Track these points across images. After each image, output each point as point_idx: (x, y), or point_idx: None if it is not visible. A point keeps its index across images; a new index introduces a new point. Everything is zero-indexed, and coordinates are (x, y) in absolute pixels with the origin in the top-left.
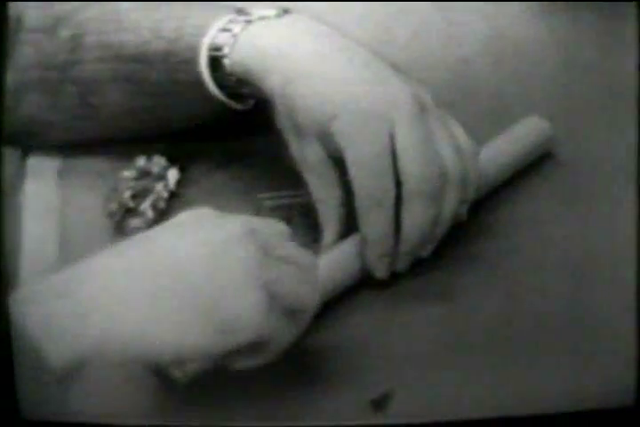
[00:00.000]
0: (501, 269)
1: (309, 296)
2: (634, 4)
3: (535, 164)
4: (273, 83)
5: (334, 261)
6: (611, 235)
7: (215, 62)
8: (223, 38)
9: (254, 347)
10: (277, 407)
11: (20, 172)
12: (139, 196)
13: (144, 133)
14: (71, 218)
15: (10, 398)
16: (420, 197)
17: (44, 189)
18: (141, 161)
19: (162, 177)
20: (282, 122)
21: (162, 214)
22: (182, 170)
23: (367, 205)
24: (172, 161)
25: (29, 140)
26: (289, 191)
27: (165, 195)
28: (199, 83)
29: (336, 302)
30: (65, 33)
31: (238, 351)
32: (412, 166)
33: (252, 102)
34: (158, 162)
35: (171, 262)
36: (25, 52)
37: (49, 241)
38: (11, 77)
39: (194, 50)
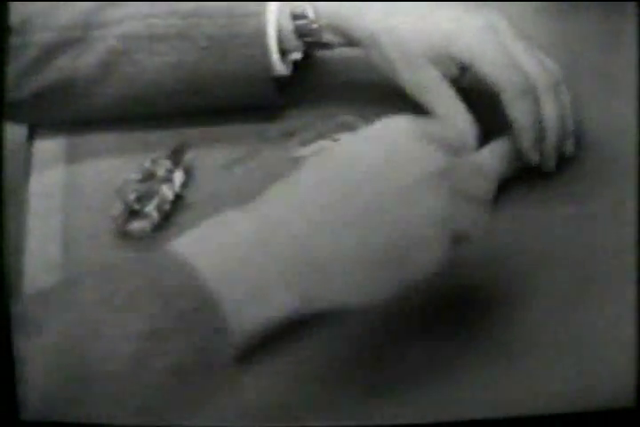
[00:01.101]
0: (503, 268)
1: (479, 225)
2: (634, 4)
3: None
4: (370, 19)
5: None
6: (611, 235)
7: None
8: None
9: None
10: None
11: (26, 171)
12: (143, 198)
13: (175, 101)
14: (76, 218)
15: (10, 398)
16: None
17: (48, 188)
18: (147, 163)
19: (167, 179)
20: (387, 55)
21: (166, 217)
22: (187, 172)
23: (513, 96)
24: (178, 163)
25: (51, 110)
26: None
27: (170, 197)
28: (261, 36)
29: None
30: None
31: None
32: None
33: (292, 67)
34: (164, 164)
35: (364, 199)
36: (60, 13)
37: (53, 241)
38: (43, 37)
39: (261, 3)
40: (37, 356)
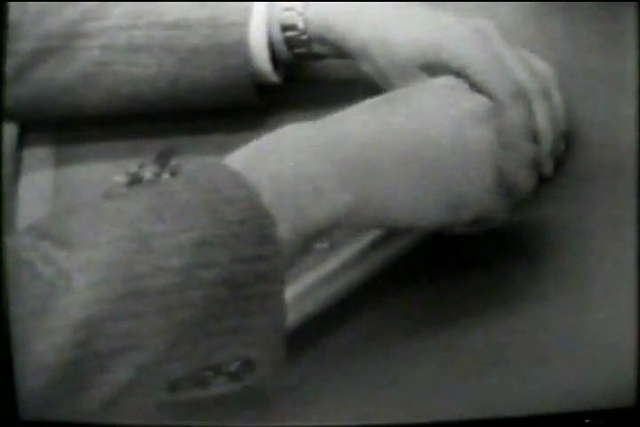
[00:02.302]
0: (502, 269)
1: (527, 180)
2: (634, 4)
3: None
4: (360, 30)
5: None
6: (611, 235)
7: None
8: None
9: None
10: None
11: (15, 176)
12: None
13: (156, 107)
14: None
15: (9, 398)
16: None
17: (37, 192)
18: (133, 167)
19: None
20: (378, 64)
21: None
22: (174, 176)
23: (504, 101)
24: (164, 167)
25: (35, 114)
26: None
27: None
28: (243, 46)
29: None
30: (90, 3)
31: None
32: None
33: (281, 77)
34: (150, 168)
35: (419, 131)
36: (44, 23)
37: None
38: (26, 46)
39: (244, 12)
40: (85, 270)
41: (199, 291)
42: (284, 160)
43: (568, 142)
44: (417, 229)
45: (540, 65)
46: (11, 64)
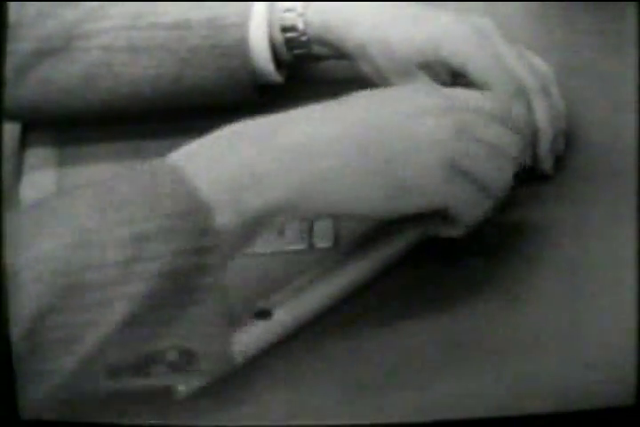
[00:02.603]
0: (502, 270)
1: (500, 175)
2: (634, 4)
3: None
4: (360, 31)
5: None
6: (611, 235)
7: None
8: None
9: (444, 217)
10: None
11: (17, 177)
12: None
13: (156, 107)
14: None
15: (10, 398)
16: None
17: (39, 193)
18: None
19: None
20: (378, 65)
21: None
22: None
23: (507, 96)
24: None
25: (35, 114)
26: None
27: None
28: (243, 46)
29: None
30: (89, 5)
31: (429, 219)
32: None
33: (283, 77)
34: None
35: (364, 120)
36: (44, 24)
37: None
38: (25, 46)
39: (243, 13)
40: (32, 265)
41: (140, 284)
42: (223, 151)
43: (568, 142)
44: (360, 217)
45: (539, 63)
46: (10, 65)
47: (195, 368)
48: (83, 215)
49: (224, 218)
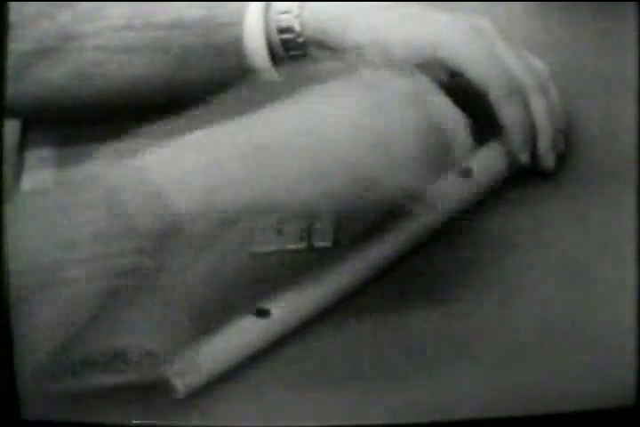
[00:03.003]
0: (501, 269)
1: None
2: (634, 4)
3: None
4: (357, 32)
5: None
6: (611, 235)
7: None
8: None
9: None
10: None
11: (17, 176)
12: None
13: (152, 107)
14: None
15: (10, 398)
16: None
17: (41, 179)
18: None
19: None
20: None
21: None
22: None
23: (501, 97)
24: None
25: (32, 114)
26: None
27: None
28: (238, 45)
29: None
30: (85, 5)
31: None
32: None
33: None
34: None
35: (327, 111)
36: (39, 25)
37: None
38: (25, 46)
39: (238, 13)
40: (9, 261)
41: (102, 282)
42: (190, 153)
43: (568, 142)
44: (335, 214)
45: (537, 63)
46: (7, 65)
47: (154, 367)
48: (51, 214)
49: (189, 219)
